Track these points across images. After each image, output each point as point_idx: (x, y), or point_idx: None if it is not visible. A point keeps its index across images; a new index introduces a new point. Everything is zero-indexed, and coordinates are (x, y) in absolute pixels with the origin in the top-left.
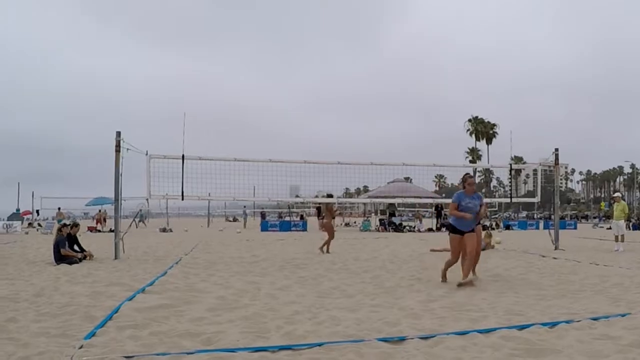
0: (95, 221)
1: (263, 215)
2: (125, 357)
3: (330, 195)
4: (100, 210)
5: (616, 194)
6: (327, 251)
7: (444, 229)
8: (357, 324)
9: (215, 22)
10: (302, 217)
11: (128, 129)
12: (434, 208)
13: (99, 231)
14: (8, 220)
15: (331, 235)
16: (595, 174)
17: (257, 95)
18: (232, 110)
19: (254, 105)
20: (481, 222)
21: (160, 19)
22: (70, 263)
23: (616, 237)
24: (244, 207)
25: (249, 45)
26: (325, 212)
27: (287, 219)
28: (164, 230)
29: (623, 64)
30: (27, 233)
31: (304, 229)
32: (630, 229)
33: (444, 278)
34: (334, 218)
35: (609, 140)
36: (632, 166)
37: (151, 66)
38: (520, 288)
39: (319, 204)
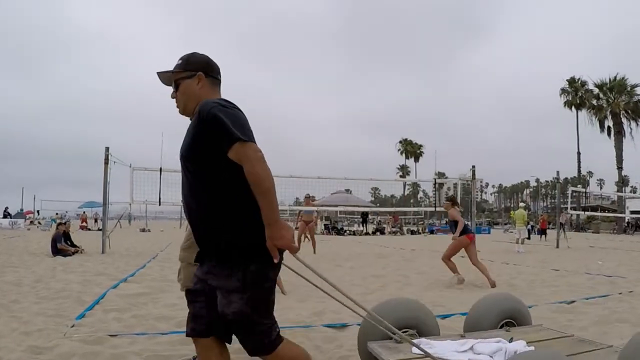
0: (81, 220)
1: None
2: (110, 335)
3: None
4: (84, 212)
5: (521, 204)
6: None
7: (378, 233)
8: (305, 312)
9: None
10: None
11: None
12: (360, 215)
13: (89, 229)
14: (13, 218)
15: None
16: (506, 187)
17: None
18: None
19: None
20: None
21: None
22: (65, 255)
23: (517, 240)
24: None
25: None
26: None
27: None
28: (143, 230)
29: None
30: (29, 229)
31: None
32: (535, 234)
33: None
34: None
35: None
36: (537, 180)
37: None
38: (442, 283)
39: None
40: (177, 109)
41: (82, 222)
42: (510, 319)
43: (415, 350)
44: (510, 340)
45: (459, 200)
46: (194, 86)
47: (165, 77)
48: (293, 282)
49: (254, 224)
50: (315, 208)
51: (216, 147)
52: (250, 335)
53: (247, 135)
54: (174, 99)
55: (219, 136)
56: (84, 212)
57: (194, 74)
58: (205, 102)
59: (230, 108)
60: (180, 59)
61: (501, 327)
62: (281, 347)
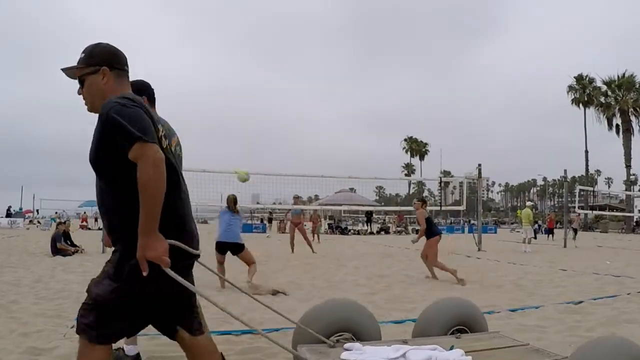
0: (81, 220)
1: None
2: None
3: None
4: (84, 212)
5: (527, 203)
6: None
7: (383, 232)
8: None
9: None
10: (262, 221)
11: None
12: (365, 214)
13: (89, 229)
14: (13, 217)
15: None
16: (513, 185)
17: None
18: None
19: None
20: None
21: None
22: (65, 255)
23: (524, 239)
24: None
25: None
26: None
27: (249, 222)
28: None
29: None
30: (28, 229)
31: (264, 230)
32: (542, 233)
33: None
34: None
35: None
36: (544, 179)
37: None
38: (448, 284)
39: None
40: (86, 107)
41: (82, 222)
42: (462, 326)
43: (344, 355)
44: (451, 348)
45: (464, 199)
46: (98, 82)
47: (70, 73)
48: (296, 283)
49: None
50: (305, 207)
51: (119, 149)
52: (82, 316)
53: (148, 135)
54: (81, 96)
55: (120, 137)
56: (85, 212)
57: (98, 69)
58: (107, 102)
59: (131, 106)
60: (83, 51)
61: (452, 333)
62: (88, 343)
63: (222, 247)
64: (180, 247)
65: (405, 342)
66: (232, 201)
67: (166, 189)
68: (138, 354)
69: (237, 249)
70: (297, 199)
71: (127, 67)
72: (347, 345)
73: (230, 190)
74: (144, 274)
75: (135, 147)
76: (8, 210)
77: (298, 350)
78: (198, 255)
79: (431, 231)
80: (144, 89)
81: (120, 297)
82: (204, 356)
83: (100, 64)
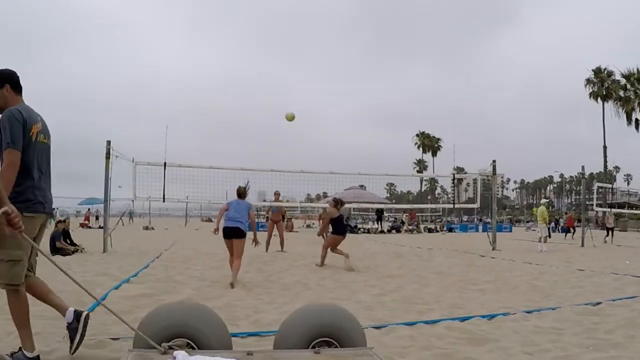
0: (85, 218)
1: None
2: (112, 338)
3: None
4: (88, 209)
5: (542, 200)
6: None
7: (394, 231)
8: None
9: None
10: (267, 219)
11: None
12: (375, 212)
13: (90, 227)
14: None
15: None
16: (528, 182)
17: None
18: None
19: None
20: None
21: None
22: (64, 255)
23: (539, 238)
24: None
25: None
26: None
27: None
28: (146, 228)
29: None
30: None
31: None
32: (559, 232)
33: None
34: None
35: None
36: (561, 176)
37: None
38: (461, 284)
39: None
40: None
41: (85, 220)
42: (330, 338)
43: None
44: None
45: (478, 197)
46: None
47: None
48: (304, 283)
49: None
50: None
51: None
52: None
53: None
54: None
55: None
56: (89, 209)
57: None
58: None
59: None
60: None
61: (314, 346)
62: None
63: (227, 232)
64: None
65: (250, 353)
66: (240, 191)
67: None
68: (38, 356)
69: (238, 234)
70: (277, 196)
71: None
72: (176, 352)
73: (236, 187)
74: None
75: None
76: None
77: (122, 357)
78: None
79: (338, 229)
80: (5, 78)
81: None
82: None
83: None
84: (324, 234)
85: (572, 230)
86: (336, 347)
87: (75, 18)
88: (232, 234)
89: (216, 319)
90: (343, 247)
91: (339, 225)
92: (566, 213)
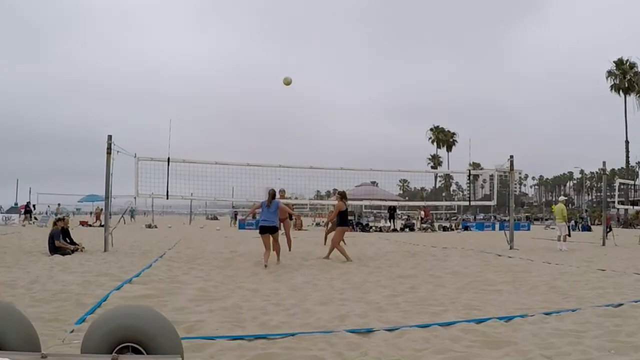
0: (95, 218)
1: (236, 216)
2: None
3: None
4: (97, 207)
5: (560, 197)
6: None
7: (407, 229)
8: (327, 316)
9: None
10: None
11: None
12: (387, 210)
13: (90, 225)
14: (6, 213)
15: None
16: (547, 179)
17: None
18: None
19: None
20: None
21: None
22: (63, 254)
23: (559, 237)
24: (233, 208)
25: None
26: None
27: None
28: (149, 226)
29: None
30: (24, 225)
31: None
32: (580, 230)
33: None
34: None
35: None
36: (581, 172)
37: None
38: (478, 284)
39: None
40: None
41: (96, 220)
42: (135, 343)
43: None
44: None
45: (495, 193)
46: None
47: None
48: (314, 283)
49: None
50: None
51: None
52: None
53: None
54: None
55: None
56: (98, 207)
57: None
58: None
59: None
60: None
61: (119, 352)
62: None
63: (262, 229)
64: None
65: (44, 356)
66: (270, 195)
67: None
68: None
69: (272, 230)
70: (282, 193)
71: None
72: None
73: (243, 184)
74: None
75: None
76: (27, 206)
77: None
78: None
79: (344, 221)
80: None
81: None
82: None
83: None
84: (328, 225)
85: (608, 228)
86: (142, 354)
87: (78, 6)
88: (268, 231)
89: (167, 324)
90: (353, 246)
91: (344, 218)
92: (586, 211)
